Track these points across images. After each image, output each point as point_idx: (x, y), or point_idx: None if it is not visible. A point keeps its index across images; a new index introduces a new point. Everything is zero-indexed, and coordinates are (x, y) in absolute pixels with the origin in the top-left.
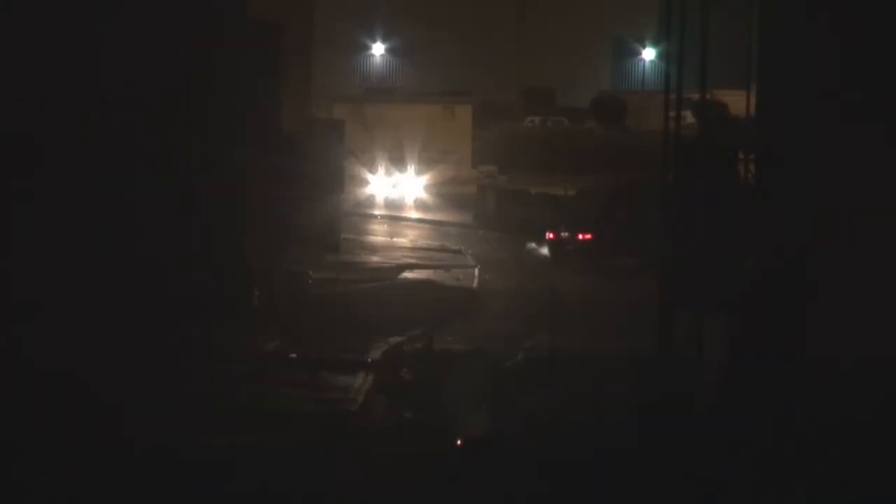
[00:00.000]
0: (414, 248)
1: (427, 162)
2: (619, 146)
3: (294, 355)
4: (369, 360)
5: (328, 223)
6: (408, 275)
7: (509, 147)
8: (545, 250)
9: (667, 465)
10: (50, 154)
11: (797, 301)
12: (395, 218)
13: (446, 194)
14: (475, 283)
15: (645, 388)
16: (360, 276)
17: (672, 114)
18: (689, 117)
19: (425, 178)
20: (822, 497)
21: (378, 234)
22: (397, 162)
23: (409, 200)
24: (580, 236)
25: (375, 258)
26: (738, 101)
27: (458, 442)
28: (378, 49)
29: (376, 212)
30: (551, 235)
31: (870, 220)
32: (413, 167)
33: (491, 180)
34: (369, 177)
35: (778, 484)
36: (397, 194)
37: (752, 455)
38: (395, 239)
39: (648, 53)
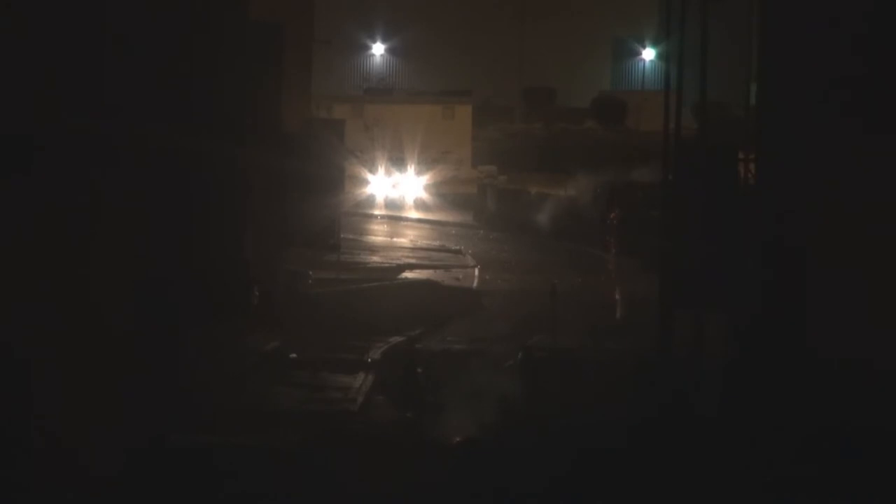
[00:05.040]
0: (414, 248)
1: (427, 162)
2: (619, 146)
3: (294, 355)
4: (369, 360)
5: (328, 223)
6: (408, 275)
7: (509, 147)
8: None
9: (666, 465)
10: (47, 153)
11: (797, 301)
12: (395, 218)
13: (446, 194)
14: (475, 283)
15: (645, 388)
16: (360, 276)
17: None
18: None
19: (425, 178)
20: (823, 497)
21: (378, 234)
22: (397, 162)
23: (409, 200)
24: None
25: (375, 258)
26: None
27: (458, 441)
28: (378, 49)
29: (376, 212)
30: None
31: (870, 220)
32: (413, 167)
33: (491, 180)
34: (369, 177)
35: (778, 484)
36: (397, 194)
37: (752, 455)
38: (395, 239)
39: (648, 53)
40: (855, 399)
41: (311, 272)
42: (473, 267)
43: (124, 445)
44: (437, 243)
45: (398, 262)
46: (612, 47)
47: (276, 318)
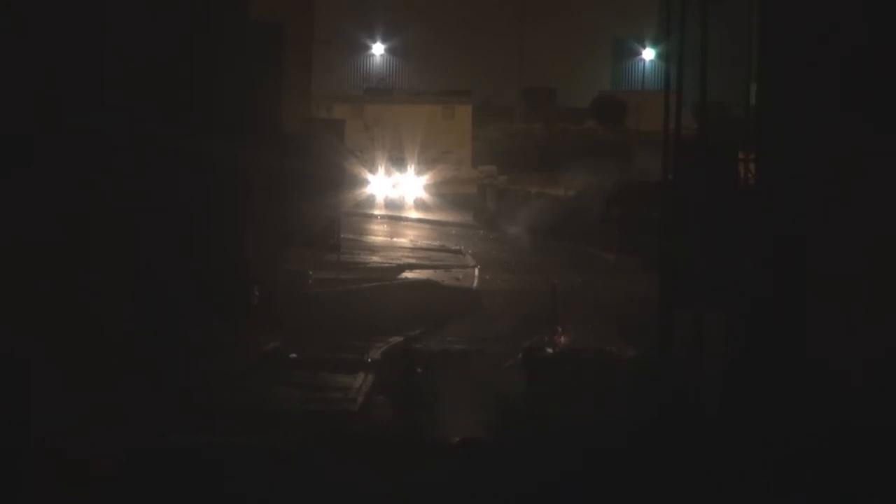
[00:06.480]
0: (414, 248)
1: (427, 162)
2: (619, 146)
3: (294, 355)
4: (369, 360)
5: (328, 223)
6: (408, 275)
7: (509, 147)
8: None
9: (666, 465)
10: (47, 153)
11: (797, 301)
12: (395, 218)
13: (446, 194)
14: (475, 283)
15: (645, 388)
16: (360, 276)
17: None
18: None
19: (425, 178)
20: (823, 498)
21: (378, 234)
22: (397, 162)
23: (409, 200)
24: None
25: (375, 258)
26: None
27: (458, 441)
28: (378, 49)
29: (376, 212)
30: None
31: (870, 220)
32: (413, 167)
33: (491, 180)
34: (369, 177)
35: (778, 484)
36: (397, 194)
37: (752, 456)
38: (395, 239)
39: (648, 53)
40: (855, 399)
41: (311, 272)
42: (473, 267)
43: (124, 445)
44: (437, 243)
45: (398, 262)
46: (612, 47)
47: (276, 318)
